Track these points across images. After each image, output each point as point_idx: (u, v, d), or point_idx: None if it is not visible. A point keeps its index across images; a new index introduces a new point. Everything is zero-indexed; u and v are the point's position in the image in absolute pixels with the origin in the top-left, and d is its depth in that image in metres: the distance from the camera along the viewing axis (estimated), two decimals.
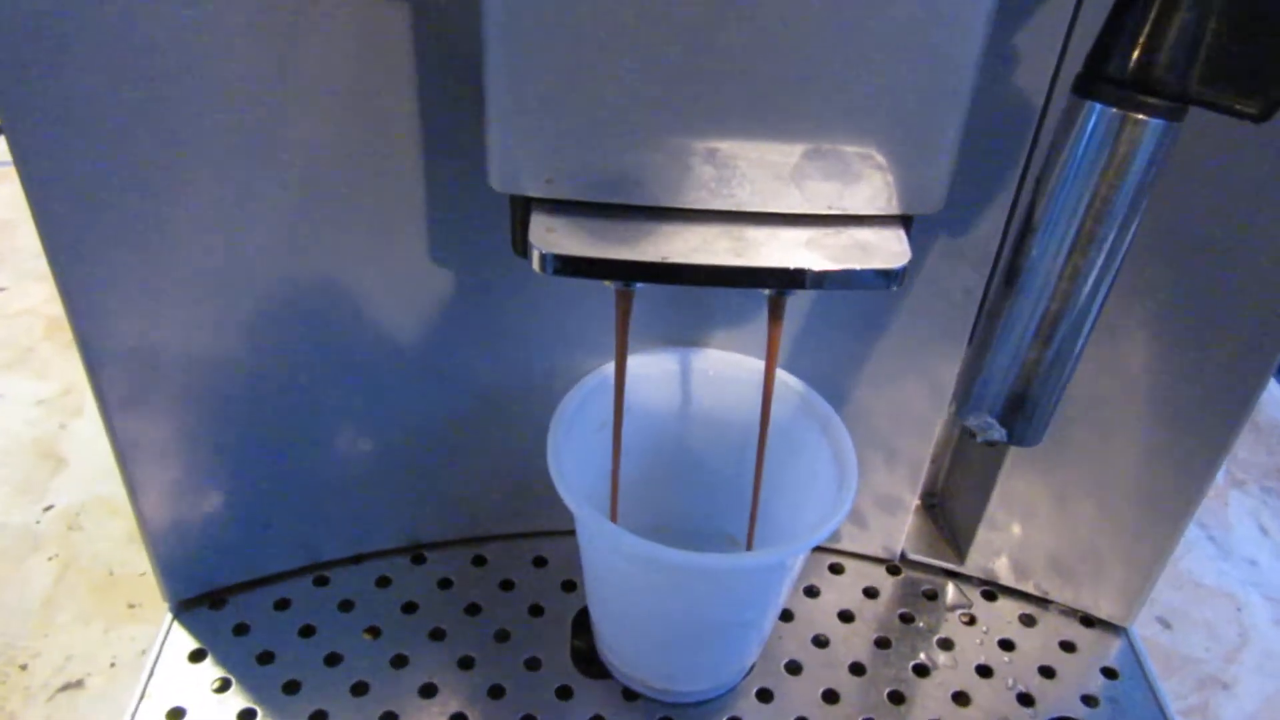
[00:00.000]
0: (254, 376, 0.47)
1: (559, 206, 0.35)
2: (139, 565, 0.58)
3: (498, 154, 0.34)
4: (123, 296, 0.42)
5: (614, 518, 0.49)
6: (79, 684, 0.53)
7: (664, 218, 0.35)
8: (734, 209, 0.35)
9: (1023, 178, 0.43)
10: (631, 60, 0.32)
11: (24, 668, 0.54)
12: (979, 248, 0.45)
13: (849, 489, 0.43)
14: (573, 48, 0.32)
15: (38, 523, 0.63)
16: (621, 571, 0.45)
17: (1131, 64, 0.31)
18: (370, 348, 0.48)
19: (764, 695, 0.51)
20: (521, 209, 0.36)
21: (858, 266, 0.35)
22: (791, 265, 0.34)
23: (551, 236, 0.34)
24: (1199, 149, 0.39)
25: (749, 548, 0.51)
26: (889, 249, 0.35)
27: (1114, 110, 0.31)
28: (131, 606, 0.58)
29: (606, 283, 0.39)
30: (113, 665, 0.54)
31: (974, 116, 0.34)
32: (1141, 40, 0.30)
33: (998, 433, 0.37)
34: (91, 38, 0.36)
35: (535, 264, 0.34)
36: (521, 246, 0.36)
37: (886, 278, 0.35)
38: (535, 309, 0.49)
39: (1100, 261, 0.33)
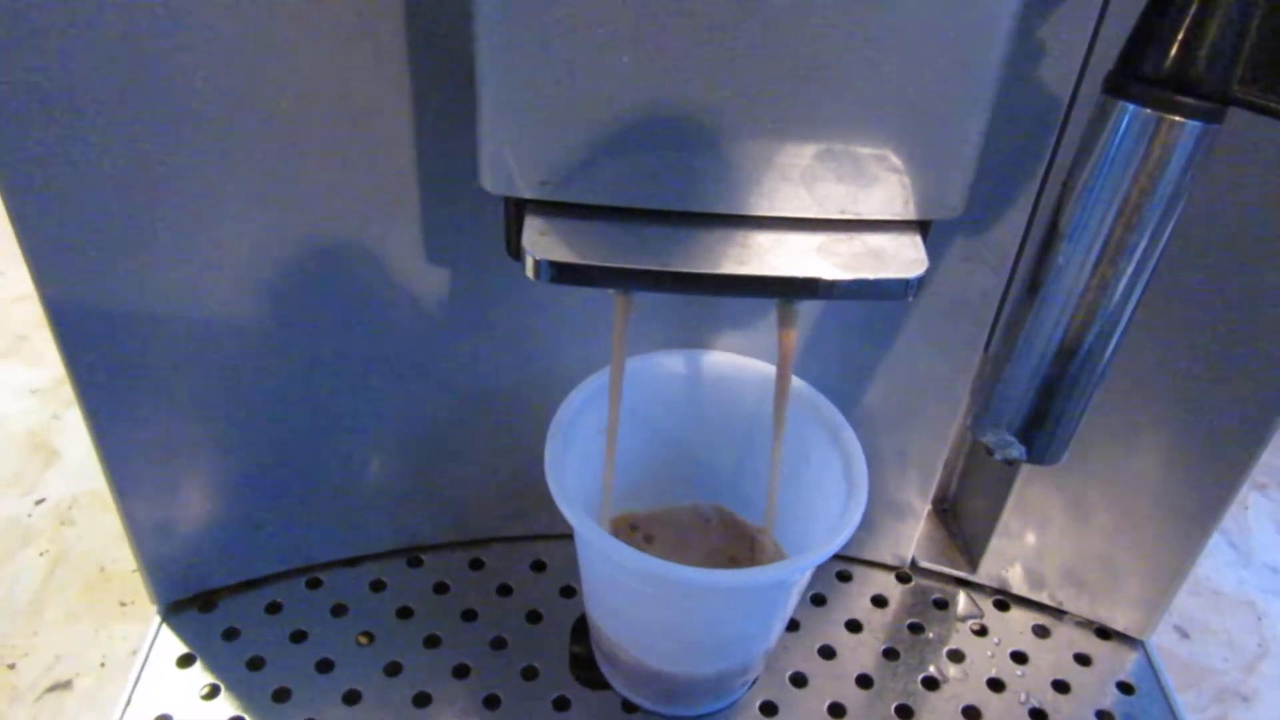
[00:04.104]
0: (244, 374, 0.46)
1: (555, 209, 0.33)
2: (131, 562, 0.57)
3: (490, 153, 0.32)
4: (102, 287, 0.41)
5: (605, 524, 0.48)
6: (67, 685, 0.53)
7: (666, 222, 0.34)
8: (741, 213, 0.34)
9: (1044, 178, 0.41)
10: (632, 53, 0.30)
11: (12, 667, 0.53)
12: (998, 250, 0.44)
13: (858, 502, 0.42)
14: (569, 39, 0.30)
15: (29, 516, 0.62)
16: (620, 584, 0.44)
17: (1168, 61, 0.29)
18: (365, 344, 0.47)
19: (768, 709, 0.50)
20: (516, 210, 0.34)
21: (871, 275, 0.33)
22: (800, 274, 0.33)
23: (546, 241, 0.33)
24: (1232, 150, 0.37)
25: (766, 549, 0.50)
26: (904, 257, 0.33)
27: (1148, 111, 0.30)
28: (123, 604, 0.57)
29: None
30: (102, 665, 0.54)
31: (996, 115, 0.32)
32: (1180, 36, 0.29)
33: (1016, 450, 0.35)
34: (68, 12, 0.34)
35: (529, 271, 0.33)
36: (516, 251, 0.34)
37: (901, 288, 0.33)
38: (534, 306, 0.47)
39: (1130, 272, 0.32)
